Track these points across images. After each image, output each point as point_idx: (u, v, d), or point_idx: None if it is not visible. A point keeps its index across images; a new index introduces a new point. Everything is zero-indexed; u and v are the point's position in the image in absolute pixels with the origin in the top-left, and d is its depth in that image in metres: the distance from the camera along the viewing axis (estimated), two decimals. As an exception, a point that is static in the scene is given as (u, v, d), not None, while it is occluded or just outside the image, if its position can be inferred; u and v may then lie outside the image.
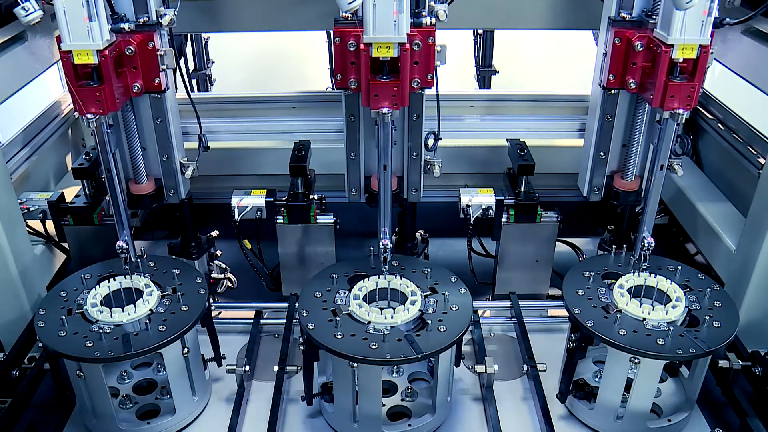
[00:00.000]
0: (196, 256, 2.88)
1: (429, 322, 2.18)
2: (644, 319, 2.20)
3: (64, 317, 2.20)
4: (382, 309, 2.25)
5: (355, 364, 2.09)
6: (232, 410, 2.39)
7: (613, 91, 2.45)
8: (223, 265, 3.01)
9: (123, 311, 2.20)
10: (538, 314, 2.92)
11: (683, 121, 2.19)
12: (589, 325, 2.18)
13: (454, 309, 2.25)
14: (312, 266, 2.86)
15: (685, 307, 2.24)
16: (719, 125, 3.18)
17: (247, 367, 2.47)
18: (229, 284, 3.02)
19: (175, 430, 2.37)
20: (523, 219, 2.81)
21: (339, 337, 2.12)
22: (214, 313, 2.70)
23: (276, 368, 2.48)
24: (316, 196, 2.83)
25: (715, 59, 2.28)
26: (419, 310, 2.23)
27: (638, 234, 2.42)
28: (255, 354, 2.70)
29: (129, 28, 2.25)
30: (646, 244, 2.37)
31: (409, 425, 2.31)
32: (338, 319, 2.19)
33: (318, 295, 2.31)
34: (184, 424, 2.39)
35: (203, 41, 4.82)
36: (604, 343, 2.16)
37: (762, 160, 2.78)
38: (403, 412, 2.42)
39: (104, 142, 2.22)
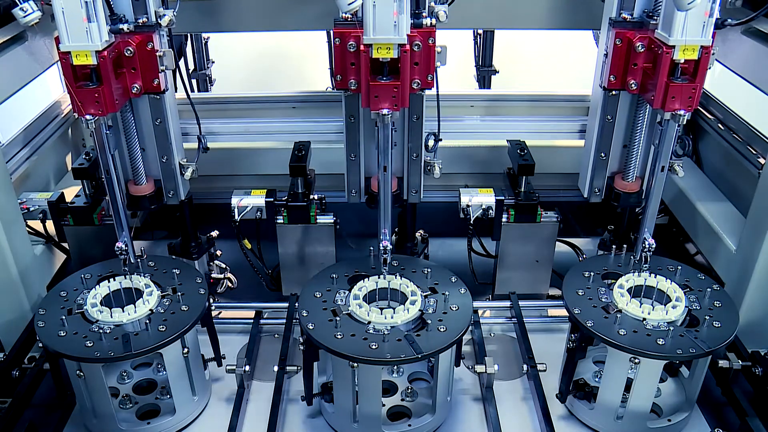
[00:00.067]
0: (196, 256, 2.88)
1: (429, 322, 2.18)
2: (644, 319, 2.20)
3: (64, 317, 2.20)
4: (382, 309, 2.25)
5: (355, 364, 2.09)
6: (232, 410, 2.39)
7: (613, 92, 2.44)
8: (223, 265, 3.01)
9: (123, 311, 2.20)
10: (538, 314, 2.92)
11: (684, 122, 2.19)
12: (589, 325, 2.18)
13: (454, 309, 2.25)
14: (312, 266, 2.86)
15: (685, 307, 2.24)
16: (719, 125, 3.18)
17: (247, 367, 2.47)
18: (229, 284, 3.02)
19: (175, 430, 2.37)
20: (523, 219, 2.81)
21: (339, 337, 2.12)
22: (214, 313, 2.70)
23: (276, 368, 2.48)
24: (316, 196, 2.83)
25: (716, 60, 2.27)
26: (419, 310, 2.23)
27: (639, 235, 2.42)
28: (255, 354, 2.70)
29: (128, 28, 2.24)
30: (647, 245, 2.37)
31: (409, 425, 2.31)
32: (338, 319, 2.20)
33: (318, 295, 2.31)
34: (184, 424, 2.39)
35: (203, 41, 4.82)
36: (604, 343, 2.17)
37: (762, 160, 2.78)
38: (403, 412, 2.42)
39: (103, 143, 2.22)
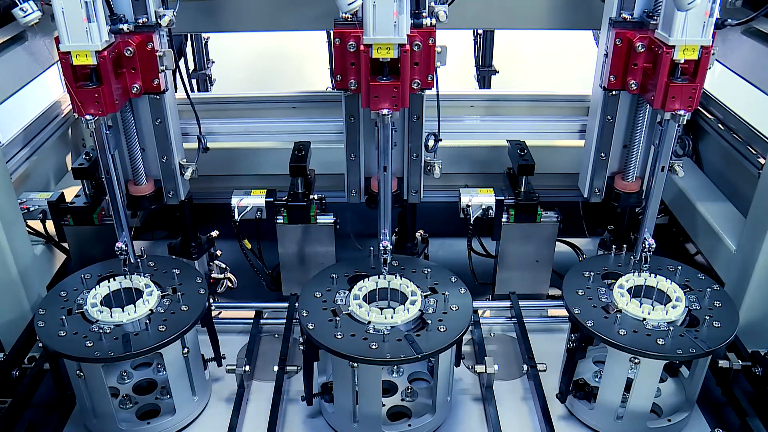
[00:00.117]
0: (196, 256, 2.88)
1: (429, 322, 2.18)
2: (644, 319, 2.20)
3: (64, 317, 2.20)
4: (382, 309, 2.25)
5: (355, 364, 2.09)
6: (232, 410, 2.39)
7: (614, 92, 2.44)
8: (223, 265, 3.01)
9: (123, 311, 2.20)
10: (538, 314, 2.92)
11: (684, 122, 2.19)
12: (589, 325, 2.18)
13: (454, 309, 2.25)
14: (312, 266, 2.86)
15: (685, 307, 2.24)
16: (719, 125, 3.18)
17: (247, 367, 2.47)
18: (229, 284, 3.02)
19: (175, 430, 2.37)
20: (523, 219, 2.81)
21: (339, 337, 2.12)
22: (214, 313, 2.70)
23: (276, 368, 2.48)
24: (316, 196, 2.83)
25: (716, 60, 2.27)
26: (419, 310, 2.23)
27: (639, 235, 2.42)
28: (255, 354, 2.70)
29: (128, 29, 2.24)
30: (647, 246, 2.37)
31: (409, 425, 2.31)
32: (338, 319, 2.19)
33: (318, 295, 2.31)
34: (184, 424, 2.39)
35: (203, 41, 4.82)
36: (604, 343, 2.17)
37: (762, 160, 2.78)
38: (403, 412, 2.42)
39: (103, 143, 2.22)
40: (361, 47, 2.08)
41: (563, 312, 2.41)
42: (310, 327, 2.16)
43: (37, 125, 3.26)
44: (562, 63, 5.80)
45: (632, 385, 2.22)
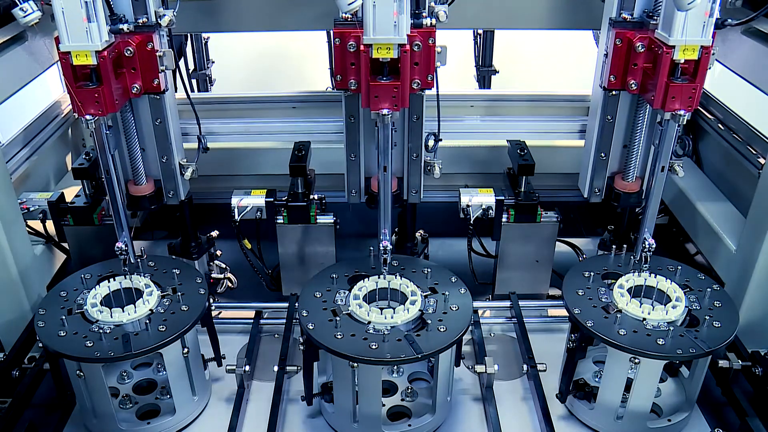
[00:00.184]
0: (196, 256, 2.88)
1: (429, 322, 2.18)
2: (644, 319, 2.20)
3: (64, 317, 2.20)
4: (382, 309, 2.25)
5: (355, 364, 2.09)
6: (232, 410, 2.39)
7: (614, 92, 2.44)
8: (223, 265, 3.01)
9: (123, 311, 2.20)
10: (538, 314, 2.92)
11: (684, 122, 2.18)
12: (589, 325, 2.18)
13: (454, 309, 2.25)
14: (312, 266, 2.86)
15: (685, 307, 2.24)
16: (719, 125, 3.18)
17: (247, 367, 2.47)
18: (229, 284, 3.02)
19: (176, 430, 2.37)
20: (523, 219, 2.81)
21: (339, 337, 2.12)
22: (214, 313, 2.70)
23: (276, 368, 2.48)
24: (316, 196, 2.83)
25: (716, 60, 2.27)
26: (419, 310, 2.23)
27: (639, 235, 2.42)
28: (255, 354, 2.70)
29: (128, 29, 2.24)
30: (647, 246, 2.37)
31: (409, 425, 2.31)
32: (338, 319, 2.19)
33: (318, 295, 2.31)
34: (184, 424, 2.39)
35: (203, 41, 4.82)
36: (604, 343, 2.16)
37: (762, 160, 2.78)
38: (403, 412, 2.42)
39: (103, 143, 2.22)
40: (361, 47, 2.08)
41: (563, 312, 2.41)
42: (310, 327, 2.16)
43: (37, 125, 3.26)
44: (562, 63, 5.80)
45: (632, 385, 2.22)
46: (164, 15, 2.29)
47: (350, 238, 3.02)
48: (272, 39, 6.01)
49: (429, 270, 2.42)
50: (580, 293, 2.32)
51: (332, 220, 2.81)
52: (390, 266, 2.35)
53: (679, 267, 2.44)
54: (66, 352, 2.10)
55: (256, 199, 2.74)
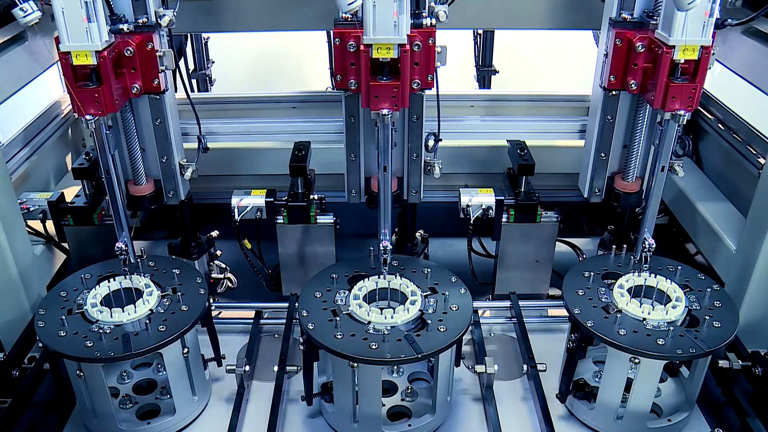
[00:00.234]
0: (196, 256, 2.88)
1: (429, 322, 2.18)
2: (644, 319, 2.20)
3: (64, 317, 2.20)
4: (382, 309, 2.25)
5: (355, 364, 2.09)
6: (232, 410, 2.39)
7: (614, 92, 2.44)
8: (223, 265, 3.01)
9: (123, 311, 2.20)
10: (538, 314, 2.92)
11: (684, 122, 2.18)
12: (589, 325, 2.18)
13: (454, 309, 2.25)
14: (312, 266, 2.86)
15: (685, 307, 2.24)
16: (719, 125, 3.18)
17: (247, 367, 2.47)
18: (229, 284, 3.02)
19: (176, 430, 2.37)
20: (523, 219, 2.81)
21: (339, 337, 2.12)
22: (214, 313, 2.70)
23: (276, 368, 2.48)
24: (316, 196, 2.83)
25: (716, 60, 2.27)
26: (419, 310, 2.23)
27: (639, 235, 2.42)
28: (255, 354, 2.70)
29: (128, 29, 2.24)
30: (647, 246, 2.37)
31: (409, 425, 2.31)
32: (338, 319, 2.19)
33: (318, 295, 2.31)
34: (184, 424, 2.39)
35: (203, 41, 4.82)
36: (604, 343, 2.16)
37: (762, 160, 2.78)
38: (403, 412, 2.42)
39: (103, 143, 2.22)
40: (361, 47, 2.08)
41: (563, 312, 2.41)
42: (310, 327, 2.16)
43: (37, 125, 3.26)
44: (562, 63, 5.80)
45: (632, 385, 2.22)
46: (164, 15, 2.29)
47: (350, 238, 3.02)
48: (272, 39, 6.01)
49: (429, 270, 2.42)
50: (580, 293, 2.33)
51: (332, 220, 2.81)
52: (390, 266, 2.35)
53: (679, 267, 2.44)
54: (66, 352, 2.10)
55: (256, 199, 2.74)
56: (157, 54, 2.30)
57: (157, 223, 3.47)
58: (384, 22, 2.01)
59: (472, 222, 2.77)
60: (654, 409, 2.36)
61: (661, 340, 2.11)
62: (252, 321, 2.84)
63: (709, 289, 2.32)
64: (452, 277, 2.41)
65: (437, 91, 2.34)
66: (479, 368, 2.47)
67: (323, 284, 2.37)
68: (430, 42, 2.19)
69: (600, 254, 2.88)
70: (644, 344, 2.10)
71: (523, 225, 2.82)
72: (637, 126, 2.52)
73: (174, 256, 2.85)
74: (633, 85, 2.33)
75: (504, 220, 2.80)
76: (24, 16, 2.12)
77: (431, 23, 2.18)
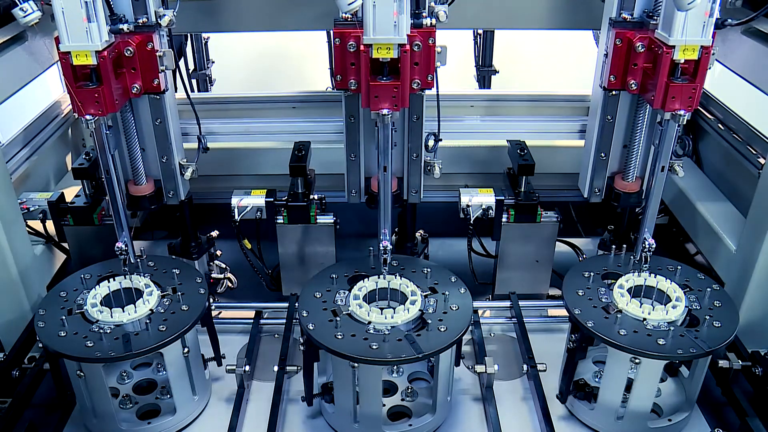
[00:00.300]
0: (196, 256, 2.88)
1: (429, 321, 2.18)
2: (644, 319, 2.20)
3: (64, 317, 2.20)
4: (382, 309, 2.25)
5: (356, 365, 2.09)
6: (232, 410, 2.39)
7: (614, 92, 2.44)
8: (223, 265, 3.01)
9: (123, 311, 2.20)
10: (538, 314, 2.92)
11: (684, 122, 2.18)
12: (589, 325, 2.18)
13: (454, 309, 2.25)
14: (312, 266, 2.86)
15: (685, 307, 2.24)
16: (719, 125, 3.18)
17: (247, 367, 2.47)
18: (229, 284, 3.02)
19: (176, 429, 2.37)
20: (523, 219, 2.81)
21: (339, 337, 2.12)
22: (214, 313, 2.70)
23: (276, 368, 2.48)
24: (316, 196, 2.83)
25: (716, 60, 2.27)
26: (419, 309, 2.23)
27: (639, 235, 2.42)
28: (255, 354, 2.70)
29: (128, 29, 2.24)
30: (647, 246, 2.37)
31: (410, 425, 2.31)
32: (338, 319, 2.19)
33: (318, 296, 2.31)
34: (184, 424, 2.39)
35: (203, 41, 4.82)
36: (604, 343, 2.16)
37: (762, 160, 2.78)
38: (403, 411, 2.42)
39: (103, 143, 2.22)
40: (361, 47, 2.08)
41: (563, 312, 2.41)
42: (311, 327, 2.16)
43: (37, 125, 3.26)
44: (562, 63, 5.80)
45: (633, 386, 2.22)
46: (164, 15, 2.29)
47: (350, 238, 3.02)
48: (272, 39, 6.01)
49: (428, 270, 2.42)
50: (580, 293, 2.32)
51: (332, 220, 2.81)
52: (389, 266, 2.35)
53: (679, 267, 2.44)
54: (67, 352, 2.10)
55: (256, 199, 2.74)
56: (157, 54, 2.30)
57: (157, 223, 3.47)
58: (384, 22, 2.01)
59: (472, 222, 2.77)
60: (654, 409, 2.36)
61: (662, 340, 2.11)
62: (252, 321, 2.84)
63: (708, 289, 2.32)
64: (452, 277, 2.41)
65: (437, 91, 2.34)
66: (479, 368, 2.46)
67: (323, 284, 2.37)
68: (430, 42, 2.19)
69: (600, 254, 2.88)
70: (645, 344, 2.10)
71: (523, 225, 2.82)
72: (637, 126, 2.52)
73: (174, 256, 2.85)
74: (633, 85, 2.33)
75: (504, 220, 2.80)
76: (24, 16, 2.12)
77: (431, 23, 2.18)
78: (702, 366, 2.30)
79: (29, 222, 2.83)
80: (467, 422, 2.43)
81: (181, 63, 3.74)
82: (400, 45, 2.05)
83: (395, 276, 2.37)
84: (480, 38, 4.72)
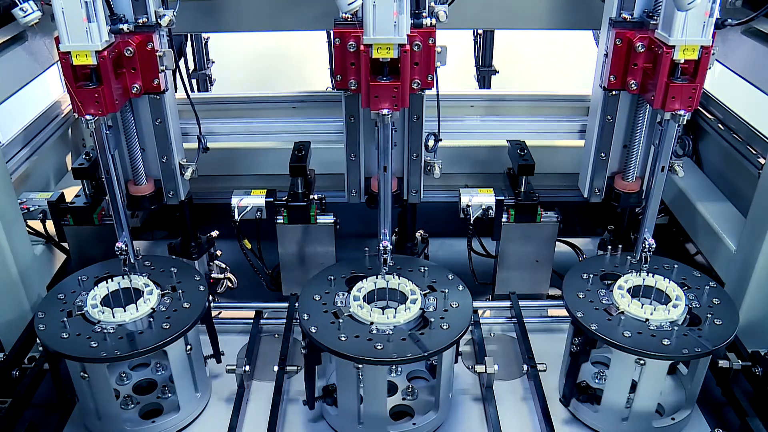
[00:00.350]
0: (196, 256, 2.88)
1: (431, 320, 2.18)
2: (647, 319, 2.19)
3: (65, 320, 2.19)
4: (382, 309, 2.25)
5: (360, 366, 2.09)
6: (232, 410, 2.39)
7: (614, 92, 2.44)
8: (223, 265, 3.01)
9: (125, 311, 2.20)
10: (538, 314, 2.92)
11: (684, 122, 2.18)
12: (593, 328, 2.17)
13: (454, 306, 2.25)
14: (312, 266, 2.86)
15: (686, 305, 2.24)
16: (719, 125, 3.18)
17: (247, 367, 2.47)
18: (229, 284, 3.02)
19: (179, 427, 2.37)
20: (523, 219, 2.81)
21: (343, 339, 2.11)
22: (214, 313, 2.70)
23: (276, 368, 2.48)
24: (316, 196, 2.83)
25: (716, 60, 2.27)
26: (420, 308, 2.23)
27: (639, 235, 2.42)
28: (255, 354, 2.70)
29: (128, 29, 2.24)
30: (647, 246, 2.37)
31: (414, 423, 2.31)
32: (341, 321, 2.19)
33: (317, 298, 2.30)
34: (188, 422, 2.39)
35: (203, 41, 4.82)
36: (609, 346, 2.15)
37: (762, 160, 2.78)
38: (405, 411, 2.42)
39: (103, 143, 2.22)
40: (361, 47, 2.08)
41: (563, 312, 2.41)
42: (313, 330, 2.15)
43: (37, 125, 3.26)
44: (562, 63, 5.80)
45: (638, 387, 2.21)
46: (164, 15, 2.29)
47: (350, 238, 3.01)
48: (272, 39, 6.01)
49: (426, 269, 2.42)
50: (581, 296, 2.32)
51: (332, 220, 2.81)
52: (388, 266, 2.35)
53: (675, 265, 2.43)
54: (70, 354, 2.09)
55: (256, 199, 2.74)
56: (157, 54, 2.30)
57: (157, 223, 3.47)
58: (384, 22, 2.01)
59: (472, 222, 2.77)
60: (656, 409, 2.36)
61: (666, 340, 2.10)
62: (252, 321, 2.84)
63: (706, 287, 2.32)
64: (449, 275, 2.41)
65: (437, 91, 2.34)
66: (479, 368, 2.46)
67: (321, 286, 2.36)
68: (430, 42, 2.19)
69: (600, 254, 2.88)
70: (650, 345, 2.10)
71: (523, 225, 2.82)
72: (637, 126, 2.52)
73: (173, 256, 2.85)
74: (633, 85, 2.33)
75: (504, 220, 2.80)
76: (24, 16, 2.12)
77: (431, 23, 2.18)
78: (702, 365, 2.30)
79: (29, 222, 2.83)
80: (467, 422, 2.43)
81: (181, 63, 3.74)
82: (400, 45, 2.05)
83: (393, 276, 2.36)
84: (480, 38, 4.72)
